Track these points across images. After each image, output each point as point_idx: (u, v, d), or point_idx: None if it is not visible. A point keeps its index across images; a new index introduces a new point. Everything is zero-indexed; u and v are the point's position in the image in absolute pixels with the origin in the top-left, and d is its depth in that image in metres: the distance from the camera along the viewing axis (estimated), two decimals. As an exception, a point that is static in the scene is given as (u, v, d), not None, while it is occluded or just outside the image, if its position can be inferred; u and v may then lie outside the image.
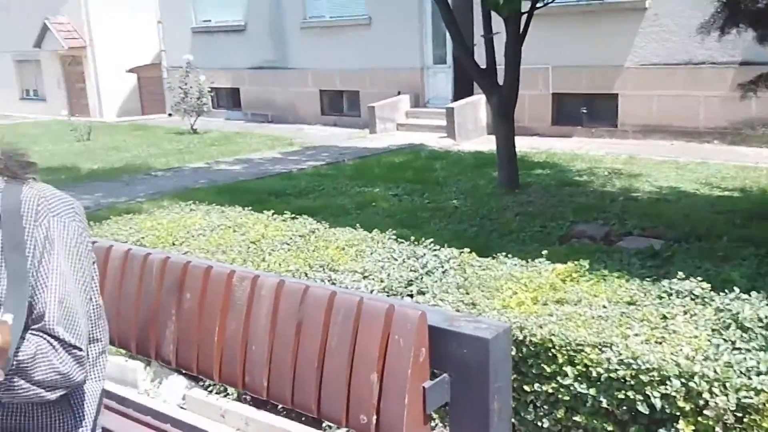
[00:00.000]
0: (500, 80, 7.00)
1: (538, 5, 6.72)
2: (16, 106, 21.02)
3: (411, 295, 2.80)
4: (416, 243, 3.32)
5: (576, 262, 2.91)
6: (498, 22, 6.85)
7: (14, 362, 1.35)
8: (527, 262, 3.00)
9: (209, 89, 13.85)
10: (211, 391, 3.07)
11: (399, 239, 3.41)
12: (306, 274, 2.96)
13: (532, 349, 2.30)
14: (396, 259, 3.07)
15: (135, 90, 19.36)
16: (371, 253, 3.16)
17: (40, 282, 1.47)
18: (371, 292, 2.78)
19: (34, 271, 1.47)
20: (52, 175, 9.14)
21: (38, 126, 15.98)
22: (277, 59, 15.09)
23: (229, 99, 16.29)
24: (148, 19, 17.84)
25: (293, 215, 3.86)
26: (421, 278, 2.89)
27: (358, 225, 3.69)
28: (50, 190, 1.57)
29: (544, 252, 3.12)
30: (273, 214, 3.90)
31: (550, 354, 2.26)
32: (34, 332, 1.44)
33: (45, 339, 1.44)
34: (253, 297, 1.90)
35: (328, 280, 2.89)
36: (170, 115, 15.82)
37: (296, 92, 14.84)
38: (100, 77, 18.97)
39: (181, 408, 3.11)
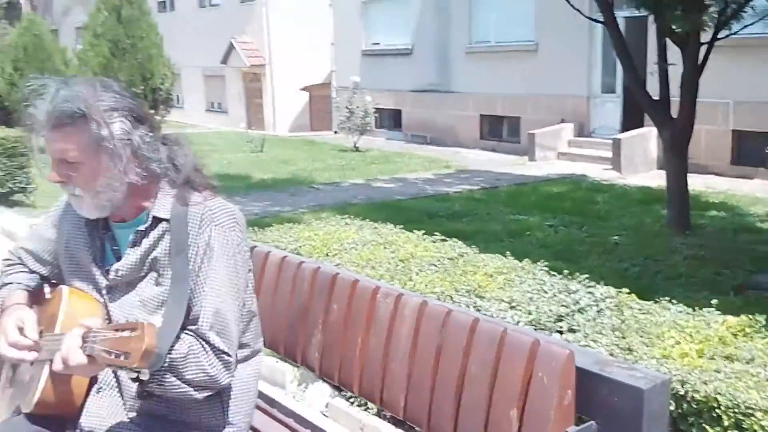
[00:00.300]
0: (674, 113, 6.57)
1: (719, 36, 6.24)
2: (202, 117, 23.01)
3: (560, 332, 2.66)
4: (570, 277, 3.17)
5: (751, 316, 2.62)
6: (674, 52, 6.45)
7: (167, 360, 1.43)
8: (694, 310, 2.75)
9: (374, 110, 14.32)
10: (352, 403, 3.11)
11: (551, 271, 3.27)
12: (451, 298, 2.92)
13: (694, 406, 2.09)
14: (546, 292, 2.94)
15: (306, 107, 20.48)
16: (520, 283, 3.05)
17: (198, 287, 1.55)
18: (517, 323, 2.68)
19: (194, 276, 1.55)
20: (228, 182, 9.86)
21: (219, 136, 17.36)
22: (439, 83, 15.29)
23: (391, 120, 16.72)
24: (323, 40, 18.83)
25: (443, 237, 3.85)
26: (573, 315, 2.75)
27: (508, 253, 3.60)
28: (216, 201, 1.64)
29: (715, 301, 2.84)
30: (423, 234, 3.91)
31: (714, 414, 2.05)
32: (188, 333, 1.53)
33: (198, 341, 1.52)
34: (396, 315, 1.90)
35: (473, 306, 2.83)
36: (336, 132, 16.55)
37: (456, 116, 14.92)
38: (276, 94, 20.26)
39: (324, 415, 3.17)
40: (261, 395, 2.30)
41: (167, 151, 1.62)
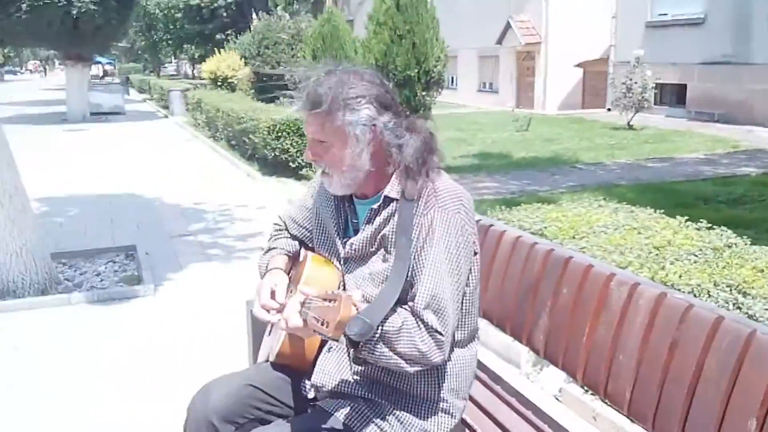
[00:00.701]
0: None
1: None
2: (473, 98, 23.49)
3: None
4: None
5: None
6: None
7: (379, 331, 1.50)
8: None
9: (653, 85, 13.27)
10: (586, 390, 2.99)
11: (844, 272, 2.76)
12: (708, 292, 2.62)
13: None
14: (832, 294, 2.50)
15: (579, 84, 19.74)
16: (798, 282, 2.63)
17: (419, 266, 1.61)
18: (784, 327, 2.32)
19: (417, 255, 1.61)
20: (489, 160, 9.99)
21: (487, 115, 17.58)
22: (735, 54, 13.60)
23: (672, 95, 15.36)
24: (602, 14, 17.90)
25: (710, 225, 3.45)
26: None
27: (789, 246, 3.11)
28: (444, 183, 1.68)
29: None
30: (687, 220, 3.55)
31: None
32: (405, 308, 1.59)
33: (412, 316, 1.57)
34: (630, 304, 1.79)
35: (733, 303, 2.51)
36: (609, 110, 15.70)
37: (754, 90, 13.15)
38: (549, 71, 19.84)
39: (557, 399, 3.11)
40: (487, 371, 2.33)
41: (409, 135, 1.68)
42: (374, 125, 1.65)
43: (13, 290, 4.50)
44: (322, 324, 1.38)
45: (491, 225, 2.41)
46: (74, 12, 16.46)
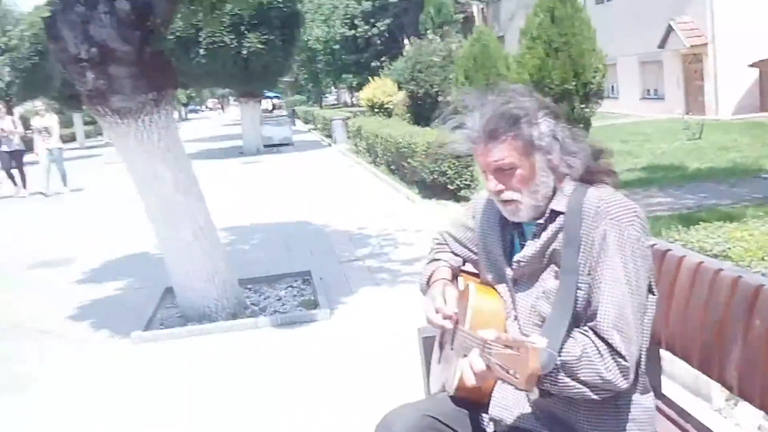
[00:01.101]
0: None
1: None
2: (636, 106, 22.32)
3: None
4: None
5: None
6: None
7: (558, 360, 1.48)
8: None
9: None
10: (790, 429, 2.75)
11: None
12: None
13: None
14: None
15: (755, 85, 18.12)
16: None
17: (596, 283, 1.56)
18: None
19: (592, 270, 1.57)
20: (660, 173, 9.46)
21: (653, 124, 16.64)
22: None
23: None
24: (777, 8, 16.41)
25: None
26: None
27: None
28: (613, 195, 1.63)
29: None
30: None
31: None
32: (583, 332, 1.55)
33: (592, 341, 1.53)
34: (831, 337, 1.65)
35: None
36: (794, 110, 14.25)
37: None
38: (719, 74, 18.43)
39: (755, 437, 2.88)
40: (673, 406, 2.22)
41: (578, 145, 1.67)
42: (556, 136, 1.64)
43: (208, 314, 4.97)
44: (508, 372, 1.37)
45: (668, 249, 2.30)
46: (244, 53, 17.98)
